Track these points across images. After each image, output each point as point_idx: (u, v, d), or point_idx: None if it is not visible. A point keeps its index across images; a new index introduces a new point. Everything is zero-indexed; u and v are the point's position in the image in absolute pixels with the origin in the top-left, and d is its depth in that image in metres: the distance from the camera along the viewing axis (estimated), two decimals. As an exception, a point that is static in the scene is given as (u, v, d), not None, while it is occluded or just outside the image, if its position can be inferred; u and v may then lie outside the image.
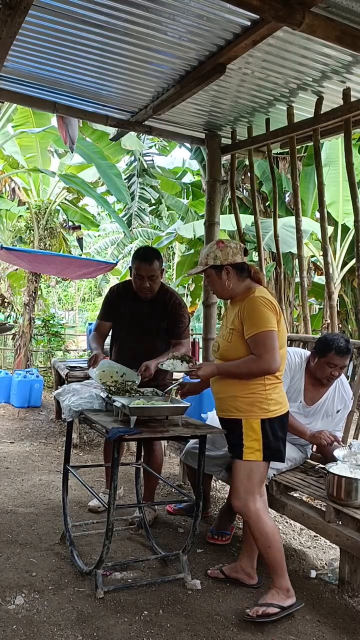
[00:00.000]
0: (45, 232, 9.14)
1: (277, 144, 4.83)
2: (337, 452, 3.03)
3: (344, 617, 2.61)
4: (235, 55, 3.34)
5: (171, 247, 14.97)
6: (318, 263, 10.60)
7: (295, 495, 3.27)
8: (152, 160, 12.43)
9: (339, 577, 2.84)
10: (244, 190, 10.23)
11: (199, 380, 2.86)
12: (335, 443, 3.16)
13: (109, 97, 4.39)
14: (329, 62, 3.46)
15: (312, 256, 9.87)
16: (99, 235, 20.11)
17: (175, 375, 3.65)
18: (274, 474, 3.16)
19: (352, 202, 3.90)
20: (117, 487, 3.16)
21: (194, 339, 6.54)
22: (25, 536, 3.32)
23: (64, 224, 10.61)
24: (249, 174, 6.16)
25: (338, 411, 3.30)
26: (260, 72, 3.67)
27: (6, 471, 4.64)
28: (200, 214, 11.04)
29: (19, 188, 10.51)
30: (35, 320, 9.51)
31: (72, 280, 16.01)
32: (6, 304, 11.01)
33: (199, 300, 11.85)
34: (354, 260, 6.64)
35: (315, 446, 3.41)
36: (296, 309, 10.04)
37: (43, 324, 9.85)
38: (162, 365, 2.82)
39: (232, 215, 5.50)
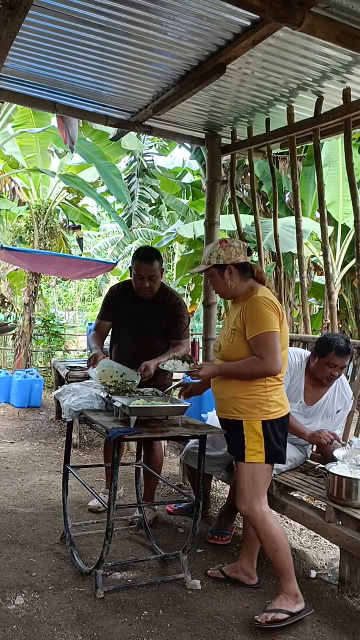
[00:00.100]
0: (45, 232, 9.14)
1: (277, 144, 4.83)
2: (337, 452, 3.03)
3: (344, 617, 2.61)
4: (235, 55, 3.34)
5: (171, 247, 14.98)
6: (318, 263, 10.60)
7: (295, 495, 3.27)
8: (152, 160, 12.43)
9: (339, 577, 2.84)
10: (244, 190, 10.23)
11: (199, 380, 2.86)
12: (335, 442, 3.16)
13: (109, 97, 4.39)
14: (329, 62, 3.46)
15: (312, 256, 9.87)
16: (99, 235, 20.11)
17: (175, 376, 3.65)
18: (274, 474, 3.15)
19: (352, 202, 3.90)
20: (117, 487, 3.16)
21: (194, 339, 6.54)
22: (25, 536, 3.32)
23: (64, 224, 10.61)
24: (249, 174, 6.16)
25: (338, 411, 3.30)
26: (260, 72, 3.67)
27: (6, 471, 4.65)
28: (200, 214, 11.04)
29: (19, 188, 10.51)
30: (35, 320, 9.51)
31: (72, 280, 16.01)
32: (6, 304, 11.01)
33: (199, 300, 11.85)
34: (354, 260, 6.64)
35: (315, 446, 3.41)
36: (296, 309, 10.04)
37: (43, 324, 9.85)
38: (163, 365, 2.81)
39: (232, 215, 5.50)
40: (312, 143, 4.32)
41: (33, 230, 9.18)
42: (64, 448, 3.49)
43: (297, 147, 4.67)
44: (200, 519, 2.87)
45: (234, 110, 4.48)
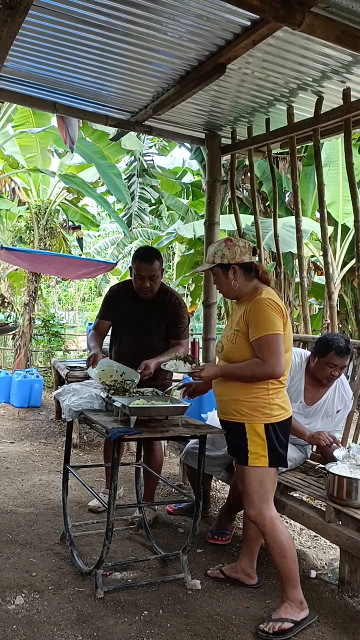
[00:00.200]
0: (45, 232, 9.14)
1: (277, 144, 4.82)
2: (337, 452, 3.03)
3: (344, 617, 2.61)
4: (235, 55, 3.33)
5: (171, 247, 14.98)
6: (318, 263, 10.60)
7: (295, 495, 3.27)
8: (152, 160, 12.43)
9: (339, 577, 2.84)
10: (244, 190, 10.23)
11: (201, 381, 2.84)
12: (334, 444, 3.16)
13: (109, 97, 4.39)
14: (329, 62, 3.46)
15: (312, 256, 9.87)
16: (99, 235, 20.12)
17: (175, 376, 3.65)
18: (274, 474, 3.16)
19: (352, 202, 3.89)
20: (117, 487, 3.16)
21: (194, 339, 6.54)
22: (25, 536, 3.32)
23: (64, 224, 10.61)
24: (249, 174, 6.16)
25: (338, 411, 3.30)
26: (260, 72, 3.67)
27: (6, 471, 4.65)
28: (200, 214, 11.04)
29: (19, 188, 10.51)
30: (35, 320, 9.51)
31: (72, 280, 16.01)
32: (6, 304, 11.01)
33: (199, 300, 11.86)
34: (354, 260, 6.64)
35: (315, 446, 3.41)
36: (296, 309, 10.03)
37: (43, 324, 9.85)
38: (164, 365, 2.80)
39: (232, 215, 5.50)
40: (312, 143, 4.32)
41: (33, 230, 9.18)
42: (64, 448, 3.49)
43: (297, 147, 4.66)
44: (200, 519, 2.87)
45: (234, 110, 4.48)
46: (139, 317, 3.45)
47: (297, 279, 9.21)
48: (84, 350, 10.41)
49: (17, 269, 10.33)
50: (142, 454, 3.60)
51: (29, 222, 9.32)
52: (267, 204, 9.98)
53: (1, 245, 7.24)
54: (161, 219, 14.78)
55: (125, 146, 8.75)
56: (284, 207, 9.39)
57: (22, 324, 9.18)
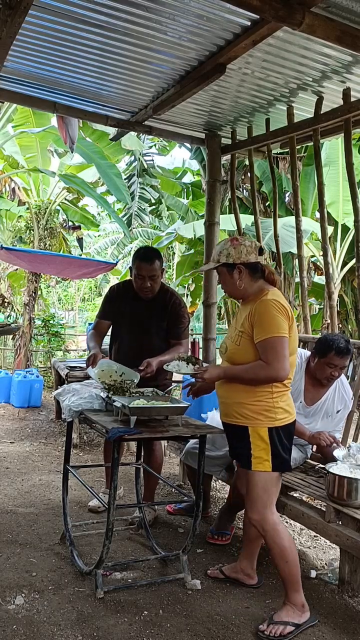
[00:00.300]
0: (45, 232, 9.13)
1: (277, 144, 4.83)
2: (337, 452, 3.03)
3: (344, 617, 2.61)
4: (235, 55, 3.33)
5: (171, 247, 14.97)
6: (318, 263, 10.60)
7: (295, 495, 3.27)
8: (152, 160, 12.43)
9: (339, 577, 2.84)
10: (244, 190, 10.23)
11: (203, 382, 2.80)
12: (334, 444, 3.15)
13: (109, 97, 4.39)
14: (329, 62, 3.46)
15: (312, 256, 9.87)
16: (99, 235, 20.12)
17: (175, 376, 3.65)
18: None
19: (352, 202, 3.89)
20: (117, 487, 3.16)
21: (194, 339, 6.54)
22: (25, 536, 3.32)
23: (64, 224, 10.61)
24: (249, 174, 6.16)
25: (338, 411, 3.30)
26: (260, 72, 3.67)
27: (6, 471, 4.64)
28: (200, 214, 11.04)
29: (19, 188, 10.51)
30: (35, 320, 9.51)
31: (72, 280, 16.01)
32: (6, 304, 11.01)
33: (199, 300, 11.85)
34: (354, 260, 6.64)
35: (315, 446, 3.41)
36: (296, 309, 10.02)
37: (43, 324, 9.85)
38: (167, 366, 2.80)
39: (232, 215, 5.50)
40: (312, 143, 4.32)
41: (33, 230, 9.18)
42: (64, 448, 3.49)
43: (297, 147, 4.66)
44: (200, 519, 2.87)
45: (234, 110, 4.48)
46: (139, 317, 3.45)
47: (297, 279, 9.21)
48: (84, 350, 10.41)
49: (17, 269, 10.33)
50: (142, 454, 3.60)
51: (29, 222, 9.32)
52: (267, 204, 9.97)
53: (1, 245, 7.24)
54: (161, 219, 14.77)
55: (125, 146, 8.75)
56: (284, 207, 9.39)
57: (22, 324, 9.18)
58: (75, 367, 6.02)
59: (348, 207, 7.32)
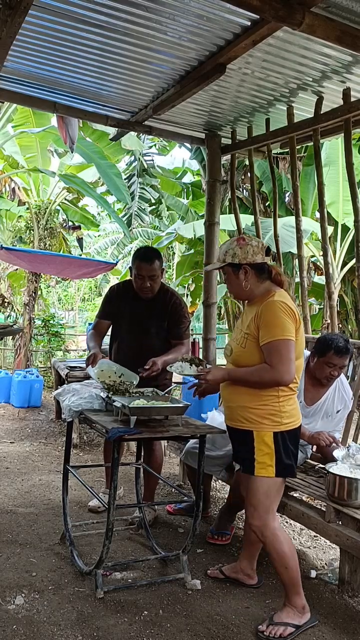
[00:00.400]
0: (45, 232, 9.14)
1: (277, 144, 4.82)
2: (337, 453, 3.03)
3: (344, 617, 2.61)
4: (235, 55, 3.33)
5: (171, 247, 14.98)
6: (318, 263, 10.60)
7: (295, 495, 3.27)
8: (152, 160, 12.43)
9: (339, 577, 2.84)
10: (244, 190, 10.24)
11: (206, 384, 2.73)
12: (334, 444, 3.15)
13: (109, 97, 4.39)
14: (329, 62, 3.46)
15: (312, 256, 9.87)
16: (99, 235, 20.13)
17: (175, 376, 3.65)
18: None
19: (352, 202, 3.89)
20: (117, 487, 3.16)
21: (194, 339, 6.54)
22: (25, 536, 3.32)
23: (64, 224, 10.62)
24: (249, 174, 6.16)
25: (338, 411, 3.30)
26: (260, 72, 3.67)
27: (6, 471, 4.64)
28: (200, 214, 11.04)
29: (19, 188, 10.51)
30: (35, 320, 9.52)
31: (72, 280, 16.02)
32: (6, 304, 11.01)
33: (199, 300, 11.85)
34: (354, 260, 6.63)
35: (315, 446, 3.41)
36: (296, 309, 10.02)
37: (43, 324, 9.85)
38: (170, 367, 2.80)
39: (232, 215, 5.50)
40: (312, 143, 4.31)
41: (33, 230, 9.18)
42: (64, 448, 3.49)
43: (297, 147, 4.66)
44: (200, 519, 2.87)
45: (234, 110, 4.48)
46: (139, 317, 3.45)
47: (297, 279, 9.21)
48: (84, 350, 10.41)
49: (17, 269, 10.33)
50: (142, 454, 3.60)
51: (29, 222, 9.32)
52: (267, 204, 9.98)
53: (1, 245, 7.24)
54: (161, 219, 14.78)
55: (125, 146, 8.76)
56: (284, 207, 9.39)
57: (22, 324, 9.19)
58: (75, 367, 6.02)
59: (348, 207, 7.32)
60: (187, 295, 13.16)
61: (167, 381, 3.53)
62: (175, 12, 2.97)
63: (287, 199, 9.62)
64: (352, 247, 5.81)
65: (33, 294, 9.09)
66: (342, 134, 4.07)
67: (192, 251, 11.06)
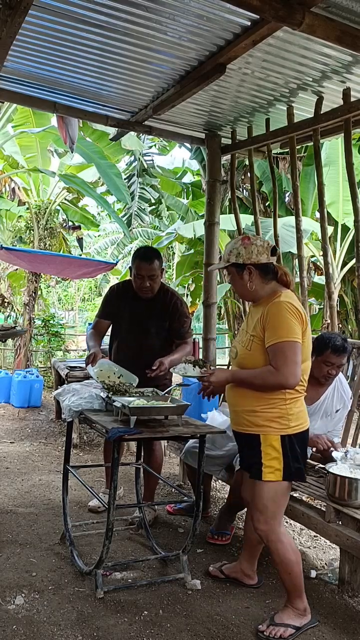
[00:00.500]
0: (45, 232, 9.14)
1: (277, 144, 4.82)
2: (336, 454, 3.03)
3: (344, 617, 2.61)
4: (235, 55, 3.33)
5: (171, 247, 14.98)
6: (318, 263, 10.60)
7: (295, 495, 3.27)
8: (152, 160, 12.42)
9: (339, 577, 2.84)
10: (244, 190, 10.23)
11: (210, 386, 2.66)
12: (332, 449, 3.15)
13: (109, 97, 4.39)
14: (329, 62, 3.46)
15: (312, 256, 9.87)
16: (99, 235, 20.13)
17: (175, 377, 3.64)
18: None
19: (352, 202, 3.89)
20: (117, 487, 3.16)
21: (194, 339, 6.54)
22: (25, 536, 3.32)
23: (64, 224, 10.62)
24: (249, 174, 6.15)
25: (337, 411, 3.30)
26: (260, 72, 3.67)
27: (6, 471, 4.65)
28: (200, 214, 11.04)
29: (19, 188, 10.51)
30: (35, 320, 9.52)
31: (72, 280, 16.02)
32: (6, 304, 11.01)
33: (199, 300, 11.85)
34: (354, 260, 6.63)
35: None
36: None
37: (43, 324, 9.85)
38: (174, 368, 2.80)
39: (232, 215, 5.50)
40: (312, 143, 4.31)
41: (33, 230, 9.18)
42: (64, 448, 3.50)
43: (297, 147, 4.66)
44: (200, 519, 2.87)
45: (234, 110, 4.48)
46: (139, 317, 3.46)
47: (297, 279, 9.20)
48: (84, 350, 10.40)
49: (17, 269, 10.33)
50: (142, 454, 3.60)
51: (29, 222, 9.32)
52: (267, 204, 9.97)
53: (1, 245, 7.24)
54: (161, 219, 14.77)
55: (125, 146, 8.76)
56: (284, 207, 9.38)
57: (22, 324, 9.19)
58: (75, 367, 6.02)
59: (348, 207, 7.32)
60: (187, 295, 13.15)
61: (167, 381, 3.53)
62: (175, 12, 2.97)
63: (287, 199, 9.61)
64: (352, 247, 5.81)
65: (33, 294, 9.09)
66: (342, 134, 4.07)
67: (192, 251, 11.05)
